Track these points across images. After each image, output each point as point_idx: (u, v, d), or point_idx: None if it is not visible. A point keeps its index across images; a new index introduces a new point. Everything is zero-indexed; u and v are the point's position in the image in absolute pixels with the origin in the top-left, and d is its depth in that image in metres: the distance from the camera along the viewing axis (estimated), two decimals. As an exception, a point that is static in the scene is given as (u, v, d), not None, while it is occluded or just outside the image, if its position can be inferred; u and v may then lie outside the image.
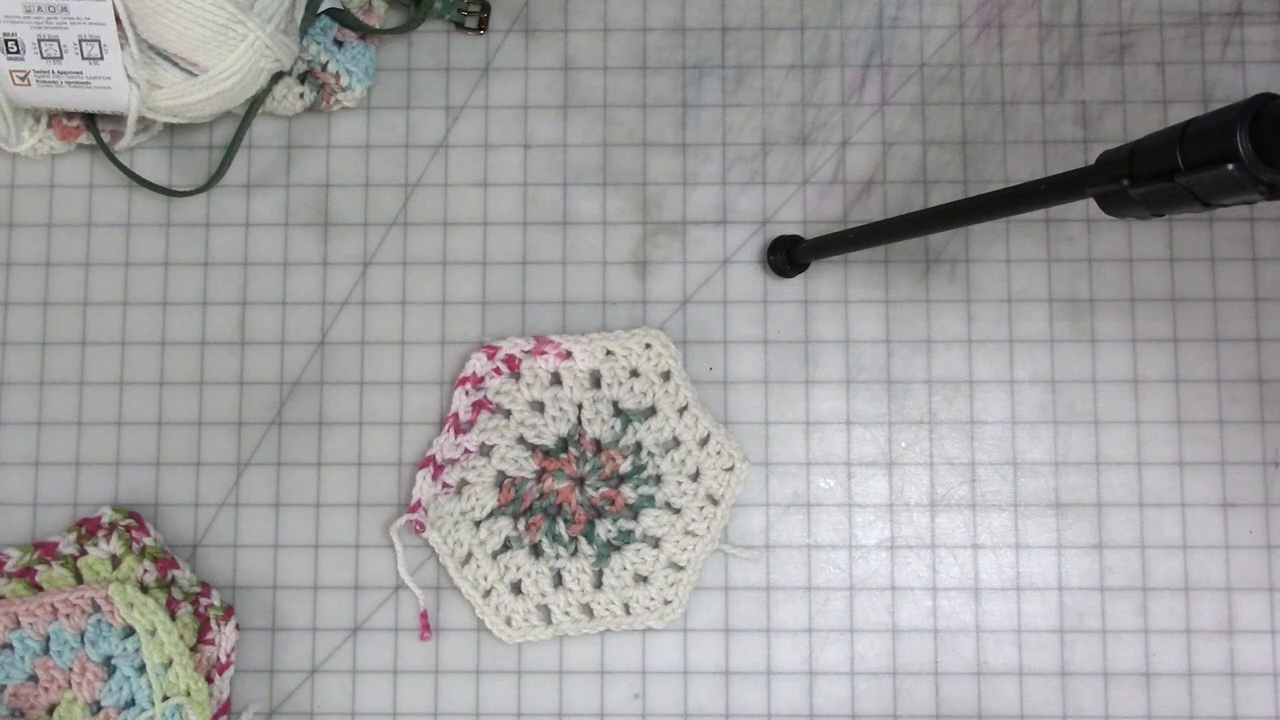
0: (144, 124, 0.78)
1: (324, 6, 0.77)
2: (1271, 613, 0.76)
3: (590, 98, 0.81)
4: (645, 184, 0.80)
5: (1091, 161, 0.51)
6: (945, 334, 0.79)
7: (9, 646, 0.73)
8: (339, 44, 0.79)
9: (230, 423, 0.79)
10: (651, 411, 0.77)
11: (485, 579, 0.76)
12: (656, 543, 0.76)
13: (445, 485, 0.77)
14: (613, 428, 0.77)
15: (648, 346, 0.77)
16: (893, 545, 0.77)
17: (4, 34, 0.70)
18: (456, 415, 0.77)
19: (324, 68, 0.79)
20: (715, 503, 0.76)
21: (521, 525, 0.76)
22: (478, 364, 0.77)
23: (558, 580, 0.76)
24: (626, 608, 0.76)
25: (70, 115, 0.79)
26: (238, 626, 0.75)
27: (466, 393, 0.77)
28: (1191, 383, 0.78)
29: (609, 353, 0.77)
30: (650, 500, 0.76)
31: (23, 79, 0.72)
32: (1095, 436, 0.78)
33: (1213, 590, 0.76)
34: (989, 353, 0.79)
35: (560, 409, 0.77)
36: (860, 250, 0.75)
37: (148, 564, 0.74)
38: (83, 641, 0.72)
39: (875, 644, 0.76)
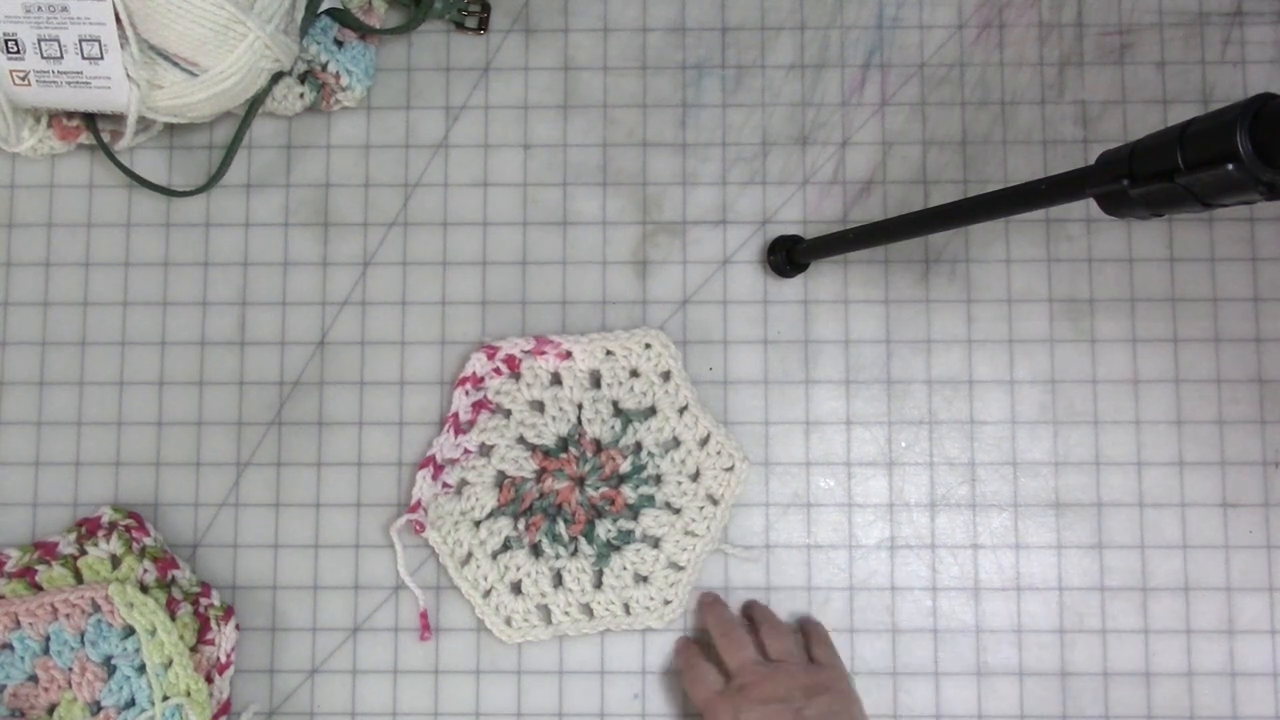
0: (144, 124, 0.78)
1: (324, 6, 0.77)
2: (1271, 613, 0.76)
3: (590, 98, 0.81)
4: (645, 184, 0.80)
5: (1091, 161, 0.51)
6: (945, 334, 0.79)
7: (9, 646, 0.73)
8: (339, 44, 0.79)
9: (230, 423, 0.79)
10: (651, 411, 0.77)
11: (485, 579, 0.76)
12: (656, 543, 0.76)
13: (445, 485, 0.77)
14: (613, 428, 0.77)
15: (648, 346, 0.77)
16: (893, 545, 0.77)
17: (4, 34, 0.70)
18: (456, 415, 0.77)
19: (324, 68, 0.79)
20: (715, 503, 0.76)
21: (521, 525, 0.76)
22: (478, 364, 0.77)
23: (558, 580, 0.76)
24: (626, 608, 0.76)
25: (70, 115, 0.79)
26: (238, 626, 0.75)
27: (466, 393, 0.77)
28: (1191, 383, 0.78)
29: (609, 353, 0.77)
30: (650, 500, 0.76)
31: (23, 79, 0.72)
32: (1095, 436, 0.78)
33: (1213, 590, 0.76)
34: (989, 353, 0.79)
35: (560, 409, 0.77)
36: (860, 250, 0.75)
37: (148, 564, 0.74)
38: (83, 641, 0.72)
39: (875, 644, 0.76)
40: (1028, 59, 0.81)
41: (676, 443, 0.77)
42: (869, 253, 0.79)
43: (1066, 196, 0.53)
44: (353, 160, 0.81)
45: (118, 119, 0.77)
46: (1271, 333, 0.78)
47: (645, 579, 0.76)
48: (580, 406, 0.77)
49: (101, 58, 0.70)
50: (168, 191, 0.79)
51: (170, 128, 0.80)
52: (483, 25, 0.81)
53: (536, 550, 0.76)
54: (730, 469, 0.76)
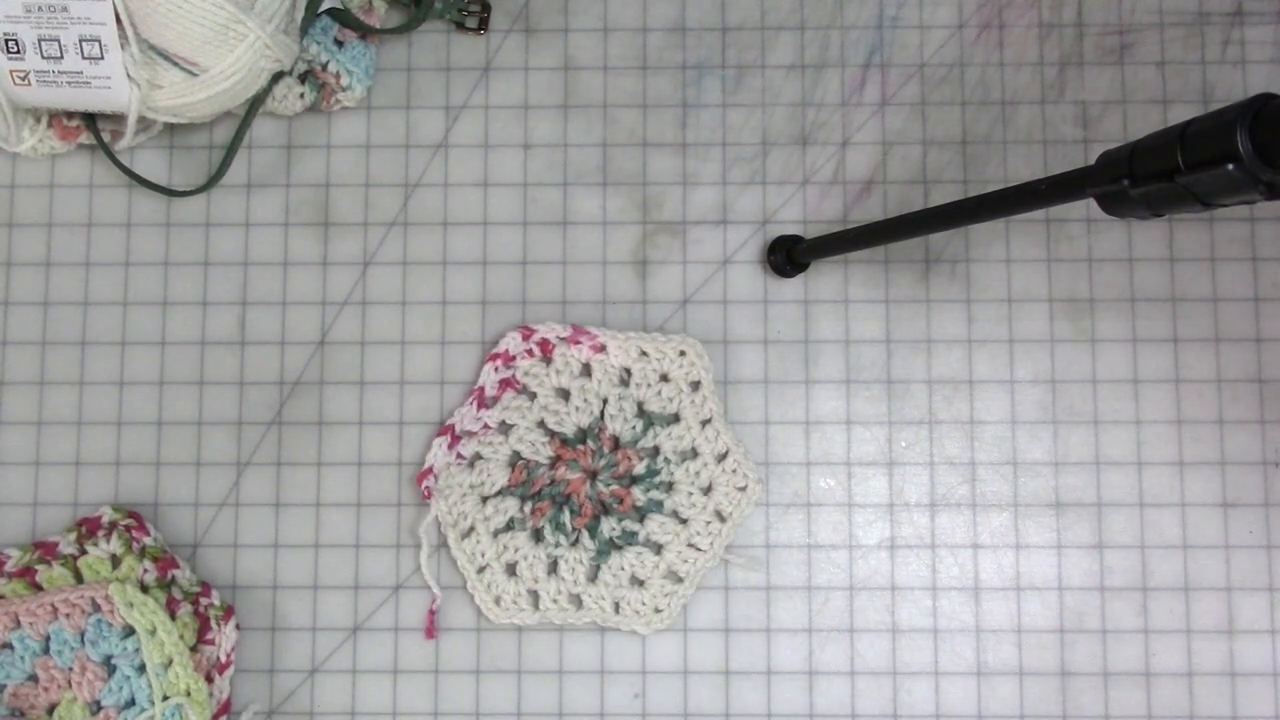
0: (144, 124, 0.78)
1: (324, 6, 0.77)
2: (1271, 613, 0.76)
3: (590, 98, 0.81)
4: (645, 184, 0.80)
5: (1091, 161, 0.51)
6: (945, 334, 0.79)
7: (9, 646, 0.73)
8: (339, 44, 0.79)
9: (230, 423, 0.79)
10: (675, 419, 0.77)
11: (483, 555, 0.76)
12: (659, 549, 0.76)
13: (459, 456, 0.77)
14: (634, 428, 0.77)
15: (682, 354, 0.77)
16: (893, 545, 0.77)
17: (4, 34, 0.70)
18: (482, 389, 0.77)
19: (324, 68, 0.79)
20: (723, 520, 0.76)
21: (527, 509, 0.76)
22: (511, 343, 0.77)
23: (553, 568, 0.76)
24: (617, 607, 0.76)
25: (70, 115, 0.79)
26: (238, 626, 0.75)
27: (495, 369, 0.77)
28: (1191, 383, 0.78)
29: (643, 353, 0.77)
30: (659, 506, 0.76)
31: (23, 79, 0.72)
32: (1095, 436, 0.78)
33: (1213, 590, 0.76)
34: (989, 353, 0.79)
35: (585, 400, 0.77)
36: (860, 250, 0.75)
37: (148, 564, 0.74)
38: (83, 641, 0.72)
39: (875, 644, 0.76)
40: (1028, 59, 0.81)
41: (694, 454, 0.77)
42: (869, 253, 0.79)
43: (1066, 196, 0.53)
44: (353, 160, 0.81)
45: (118, 119, 0.77)
46: (1271, 333, 0.78)
47: (641, 583, 0.76)
48: (605, 401, 0.77)
49: (102, 58, 0.70)
50: (168, 191, 0.79)
51: (170, 128, 0.80)
52: (483, 25, 0.81)
53: (538, 535, 0.76)
54: (743, 489, 0.76)
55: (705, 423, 0.77)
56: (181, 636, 0.71)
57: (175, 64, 0.72)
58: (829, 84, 0.81)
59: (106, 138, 0.78)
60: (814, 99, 0.81)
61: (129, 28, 0.70)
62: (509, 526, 0.76)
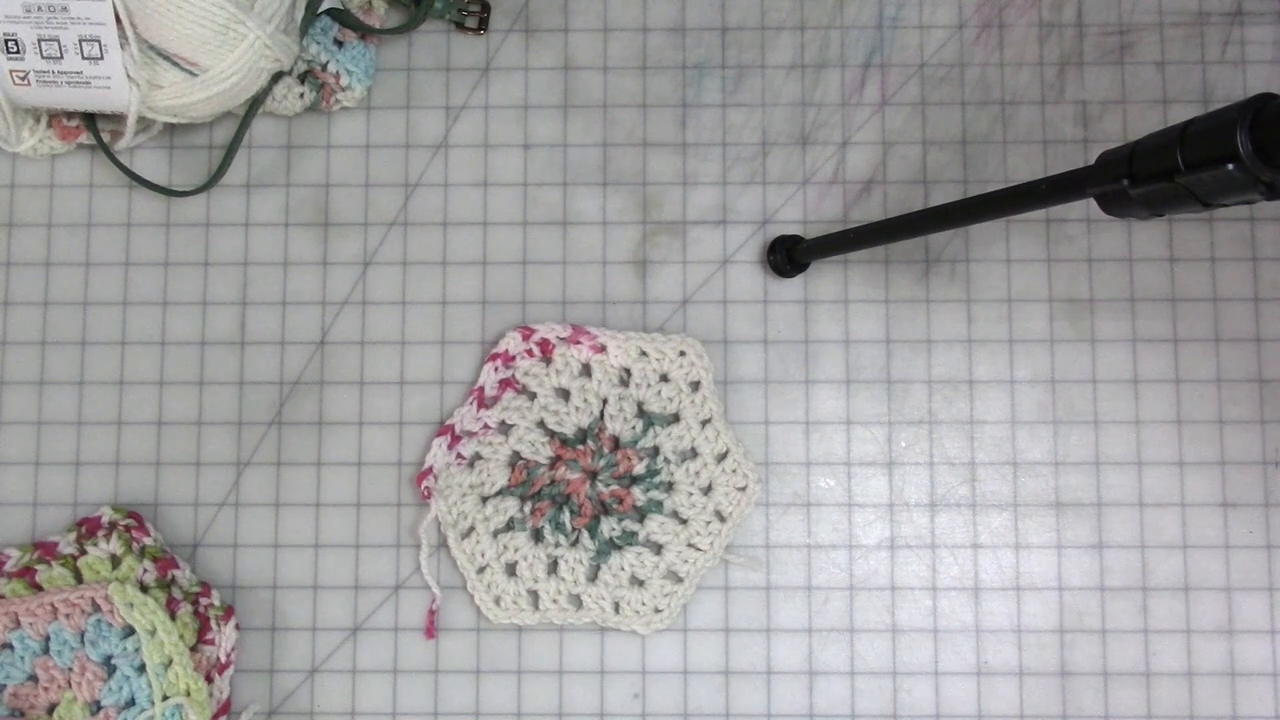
0: (144, 124, 0.78)
1: (324, 6, 0.77)
2: (1271, 613, 0.76)
3: (590, 98, 0.81)
4: (645, 184, 0.80)
5: (1091, 161, 0.51)
6: (945, 334, 0.79)
7: (9, 646, 0.73)
8: (339, 44, 0.79)
9: (230, 423, 0.79)
10: (675, 419, 0.77)
11: (482, 555, 0.76)
12: (659, 549, 0.76)
13: (459, 456, 0.77)
14: (634, 428, 0.77)
15: (682, 354, 0.77)
16: (893, 545, 0.77)
17: (4, 34, 0.70)
18: (482, 389, 0.77)
19: (324, 68, 0.79)
20: (723, 520, 0.76)
21: (527, 509, 0.76)
22: (511, 342, 0.77)
23: (553, 568, 0.76)
24: (616, 607, 0.76)
25: (70, 115, 0.79)
26: (238, 626, 0.75)
27: (495, 369, 0.77)
28: (1191, 383, 0.78)
29: (643, 353, 0.77)
30: (659, 506, 0.76)
31: (23, 79, 0.72)
32: (1095, 436, 0.78)
33: (1213, 590, 0.76)
34: (989, 353, 0.79)
35: (585, 400, 0.77)
36: (860, 250, 0.75)
37: (148, 564, 0.74)
38: (83, 641, 0.72)
39: (875, 644, 0.76)
40: (1028, 59, 0.81)
41: (694, 454, 0.77)
42: (869, 253, 0.79)
43: (1066, 196, 0.53)
44: (353, 160, 0.81)
45: (118, 119, 0.77)
46: (1271, 333, 0.78)
47: (641, 583, 0.76)
48: (605, 401, 0.77)
49: (101, 58, 0.70)
50: (168, 191, 0.79)
51: (170, 128, 0.80)
52: (483, 25, 0.81)
53: (538, 535, 0.76)
54: (743, 489, 0.76)
55: (705, 423, 0.77)
56: (181, 636, 0.71)
57: (175, 64, 0.72)
58: (829, 84, 0.81)
59: (106, 138, 0.78)
60: (814, 99, 0.81)
61: (129, 28, 0.70)
62: (509, 526, 0.76)
